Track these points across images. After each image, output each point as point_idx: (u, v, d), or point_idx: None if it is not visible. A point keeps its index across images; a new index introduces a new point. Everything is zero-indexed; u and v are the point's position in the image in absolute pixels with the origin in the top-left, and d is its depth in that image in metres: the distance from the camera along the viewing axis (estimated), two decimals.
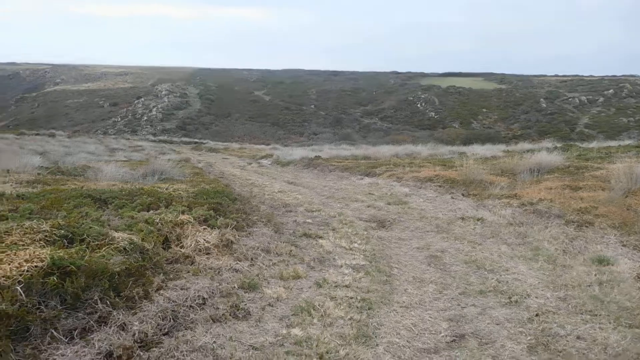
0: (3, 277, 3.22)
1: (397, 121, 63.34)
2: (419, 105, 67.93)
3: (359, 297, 4.20)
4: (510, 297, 4.20)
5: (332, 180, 13.59)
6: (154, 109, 61.36)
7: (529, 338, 3.43)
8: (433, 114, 64.62)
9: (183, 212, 5.58)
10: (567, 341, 3.35)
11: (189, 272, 4.31)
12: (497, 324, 3.71)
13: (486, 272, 4.93)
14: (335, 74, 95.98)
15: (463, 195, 9.71)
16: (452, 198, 9.54)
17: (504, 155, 16.98)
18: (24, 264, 3.37)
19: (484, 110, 63.91)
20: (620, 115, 56.07)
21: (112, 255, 3.89)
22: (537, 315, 3.79)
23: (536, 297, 4.18)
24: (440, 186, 10.73)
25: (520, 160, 12.76)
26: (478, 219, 7.37)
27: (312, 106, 69.04)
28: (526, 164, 11.65)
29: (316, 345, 3.31)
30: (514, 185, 9.72)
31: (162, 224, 5.01)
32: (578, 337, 3.40)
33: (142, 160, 16.84)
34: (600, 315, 3.75)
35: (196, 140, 44.10)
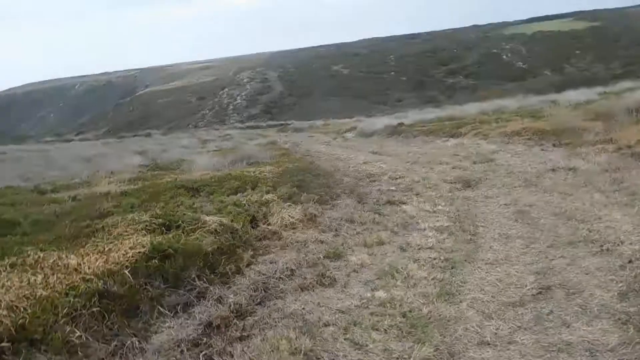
0: (113, 263, 3.63)
1: (482, 77, 60.65)
2: (504, 56, 64.64)
3: (442, 257, 4.24)
4: (602, 246, 4.04)
5: (417, 146, 13.44)
6: (238, 97, 63.39)
7: (620, 285, 3.32)
8: (521, 63, 61.24)
9: (268, 192, 5.87)
10: None
11: (276, 246, 4.57)
12: (587, 274, 3.60)
13: (577, 223, 4.76)
14: (412, 37, 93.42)
15: (554, 145, 9.27)
16: (542, 150, 9.15)
17: (600, 98, 15.88)
18: (129, 250, 3.77)
19: (577, 52, 59.53)
20: None
21: (205, 237, 4.23)
22: (630, 262, 3.63)
23: (630, 244, 3.98)
24: (529, 139, 10.29)
25: (617, 101, 11.89)
26: (570, 169, 7.04)
27: (392, 73, 67.88)
28: (624, 105, 10.83)
29: (399, 305, 3.42)
30: (609, 129, 9.10)
31: (249, 205, 5.32)
32: None
33: (231, 148, 17.58)
34: None
35: (281, 122, 45.00)
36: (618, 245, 4.01)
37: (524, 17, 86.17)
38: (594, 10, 79.77)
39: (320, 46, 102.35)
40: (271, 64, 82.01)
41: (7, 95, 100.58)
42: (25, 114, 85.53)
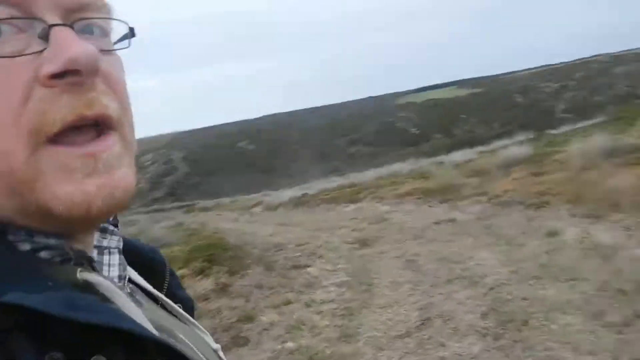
0: None
1: (380, 144, 64.41)
2: (398, 124, 69.36)
3: (342, 307, 4.80)
4: (471, 279, 4.82)
5: (320, 214, 14.19)
6: (142, 181, 62.22)
7: (482, 308, 4.05)
8: (414, 129, 65.99)
9: (180, 268, 6.18)
10: (513, 303, 3.98)
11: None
12: (459, 304, 4.32)
13: (453, 264, 5.55)
14: (313, 110, 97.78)
15: (440, 202, 10.36)
16: (430, 207, 10.19)
17: (478, 156, 17.75)
18: None
19: (463, 116, 65.38)
20: (594, 95, 57.54)
21: None
22: (491, 289, 4.41)
23: (492, 275, 4.80)
24: (418, 198, 11.37)
25: (491, 158, 13.51)
26: (450, 220, 8.01)
27: (296, 146, 70.19)
28: (495, 161, 12.38)
29: (306, 351, 3.90)
30: (483, 183, 10.39)
31: None
32: (523, 298, 4.03)
33: (136, 233, 17.34)
34: (543, 278, 4.38)
35: (187, 203, 44.45)
36: (483, 277, 4.81)
37: (413, 87, 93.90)
38: (474, 77, 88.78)
39: (225, 124, 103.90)
40: (175, 144, 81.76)
41: None
42: None
